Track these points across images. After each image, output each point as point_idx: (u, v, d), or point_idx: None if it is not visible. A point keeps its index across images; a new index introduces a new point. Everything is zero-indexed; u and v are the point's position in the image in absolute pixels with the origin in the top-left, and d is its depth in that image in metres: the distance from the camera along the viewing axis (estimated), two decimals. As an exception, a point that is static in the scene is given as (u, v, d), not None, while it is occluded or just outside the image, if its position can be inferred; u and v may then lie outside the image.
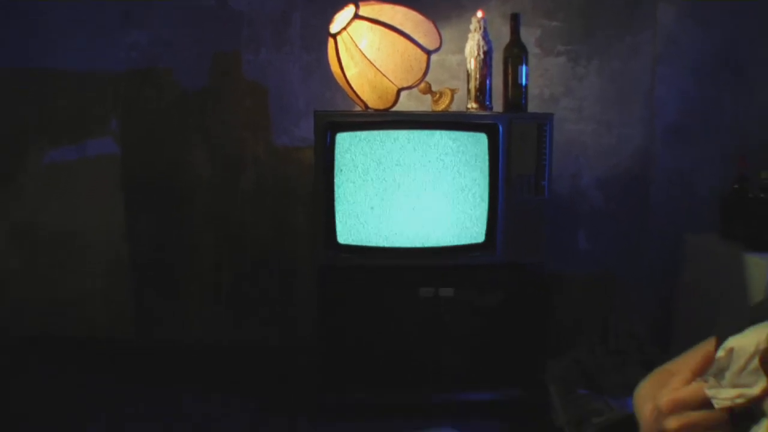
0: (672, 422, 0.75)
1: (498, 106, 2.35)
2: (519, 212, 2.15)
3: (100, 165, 2.91)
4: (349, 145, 2.12)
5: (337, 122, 2.11)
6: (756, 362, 0.70)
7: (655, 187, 2.81)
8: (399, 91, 2.15)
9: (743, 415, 0.72)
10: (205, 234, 2.94)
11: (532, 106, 2.53)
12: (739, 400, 0.72)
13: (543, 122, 2.14)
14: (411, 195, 2.17)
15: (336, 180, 2.12)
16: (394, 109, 2.22)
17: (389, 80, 2.11)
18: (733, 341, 0.73)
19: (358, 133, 2.13)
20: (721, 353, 0.73)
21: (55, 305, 3.01)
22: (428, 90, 2.26)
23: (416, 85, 2.19)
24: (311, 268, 2.56)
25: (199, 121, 2.85)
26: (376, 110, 2.20)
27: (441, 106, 2.27)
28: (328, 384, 2.26)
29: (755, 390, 0.70)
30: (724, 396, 0.73)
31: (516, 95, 2.26)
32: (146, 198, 2.93)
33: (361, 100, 2.18)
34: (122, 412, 2.42)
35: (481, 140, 2.09)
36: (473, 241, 2.16)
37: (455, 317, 2.23)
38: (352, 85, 2.13)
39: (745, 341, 0.73)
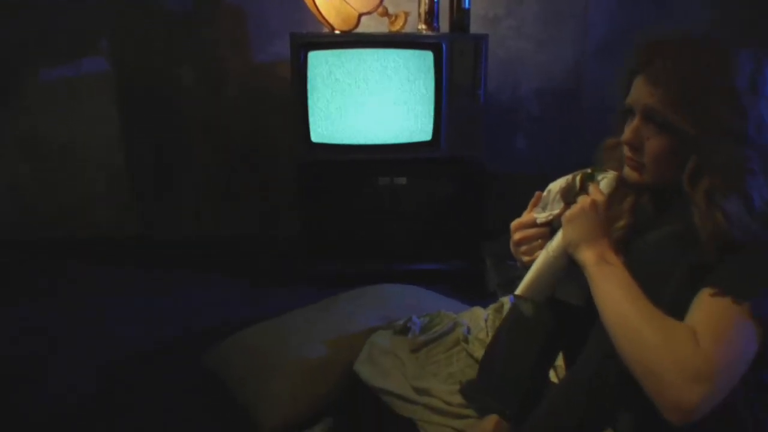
0: (516, 236, 1.25)
1: (445, 26, 2.64)
2: (459, 115, 2.48)
3: (94, 81, 3.05)
4: (319, 62, 2.40)
5: (309, 42, 2.39)
6: (558, 195, 1.20)
7: (585, 98, 3.10)
8: (360, 15, 2.46)
9: (556, 228, 1.22)
10: (194, 140, 3.15)
11: (477, 26, 2.79)
12: (549, 218, 1.22)
13: (479, 42, 2.45)
14: (371, 102, 2.46)
15: (309, 90, 2.41)
16: (357, 30, 2.50)
17: (351, 6, 2.42)
18: (551, 184, 1.24)
19: (327, 52, 2.41)
20: (544, 193, 1.24)
21: (62, 210, 3.20)
22: (385, 13, 2.55)
23: (375, 10, 2.49)
24: (289, 165, 2.86)
25: (185, 40, 3.00)
26: (342, 32, 2.48)
27: (396, 27, 2.58)
28: (309, 258, 2.65)
29: (557, 211, 1.20)
30: (542, 216, 1.23)
31: (459, 17, 2.56)
32: (139, 109, 3.10)
33: (329, 23, 2.46)
34: (136, 289, 2.73)
35: (428, 57, 2.41)
36: (422, 139, 2.50)
37: (409, 202, 2.61)
38: (321, 10, 2.42)
39: (557, 183, 1.23)
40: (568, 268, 1.19)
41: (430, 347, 1.66)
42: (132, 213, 3.26)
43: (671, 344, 0.98)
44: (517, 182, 3.17)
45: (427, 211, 2.65)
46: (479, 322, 1.74)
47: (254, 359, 1.77)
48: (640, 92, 1.13)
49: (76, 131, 3.13)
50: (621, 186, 1.24)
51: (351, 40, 2.48)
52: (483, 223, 2.68)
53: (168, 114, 3.14)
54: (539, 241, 1.25)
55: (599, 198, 1.17)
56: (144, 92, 3.11)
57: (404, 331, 1.74)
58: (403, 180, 2.56)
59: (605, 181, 1.21)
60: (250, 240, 3.22)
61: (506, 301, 1.80)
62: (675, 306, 1.05)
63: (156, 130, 3.17)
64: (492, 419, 1.31)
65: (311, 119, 2.46)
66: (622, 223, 1.23)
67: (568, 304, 1.26)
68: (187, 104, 3.13)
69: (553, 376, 1.47)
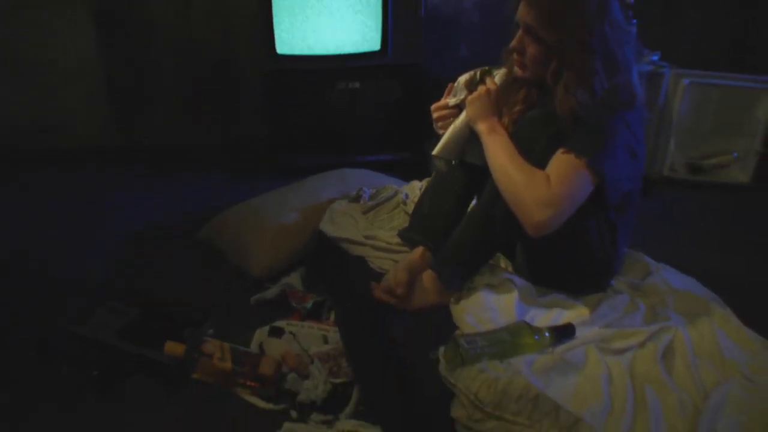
0: (434, 115, 1.71)
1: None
2: (404, 27, 2.86)
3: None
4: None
5: (272, -37, 2.68)
6: (463, 85, 1.65)
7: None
8: (316, -61, 2.77)
9: (462, 109, 1.66)
10: (167, 53, 3.40)
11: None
12: (458, 101, 1.68)
13: (422, -37, 2.80)
14: (328, 16, 2.80)
15: (273, 6, 2.74)
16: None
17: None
18: (460, 77, 1.69)
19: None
20: (455, 84, 1.68)
21: (43, 123, 3.41)
22: (338, -64, 2.88)
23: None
24: (256, 75, 3.17)
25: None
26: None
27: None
28: (277, 154, 3.08)
29: (462, 96, 1.65)
30: (453, 100, 1.68)
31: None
32: (113, 28, 3.32)
33: (289, -54, 2.75)
34: (126, 187, 3.09)
35: (377, -25, 2.75)
36: (372, 48, 2.88)
37: (362, 104, 3.01)
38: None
39: (463, 77, 1.68)
40: (472, 138, 1.66)
41: (377, 210, 2.15)
42: (110, 124, 3.51)
43: (531, 184, 1.47)
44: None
45: (378, 111, 3.06)
46: (415, 190, 2.23)
47: (241, 227, 2.23)
48: (522, 12, 1.58)
49: (52, 48, 3.31)
50: (515, 81, 1.71)
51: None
52: (426, 120, 3.04)
53: (140, 30, 3.36)
54: (451, 119, 1.72)
55: (492, 87, 1.64)
56: (117, 9, 3.31)
57: (357, 199, 2.23)
58: (356, 84, 2.95)
59: (498, 75, 1.67)
60: (223, 142, 3.56)
61: (437, 176, 2.26)
62: (540, 161, 1.53)
63: (130, 45, 3.39)
64: (419, 250, 1.81)
65: (276, 32, 2.80)
66: (516, 108, 1.71)
67: (474, 165, 1.74)
68: (158, 21, 3.34)
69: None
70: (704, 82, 3.27)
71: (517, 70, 1.64)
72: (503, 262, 1.85)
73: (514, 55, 1.63)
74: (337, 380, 1.68)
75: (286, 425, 1.57)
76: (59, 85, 3.38)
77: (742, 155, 3.38)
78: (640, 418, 1.38)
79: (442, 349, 1.46)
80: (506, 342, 1.47)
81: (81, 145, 3.46)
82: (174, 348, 1.73)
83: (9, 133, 3.40)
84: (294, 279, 2.08)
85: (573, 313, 1.67)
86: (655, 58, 3.27)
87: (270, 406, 1.66)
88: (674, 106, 3.29)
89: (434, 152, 1.72)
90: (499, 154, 1.56)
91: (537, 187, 1.46)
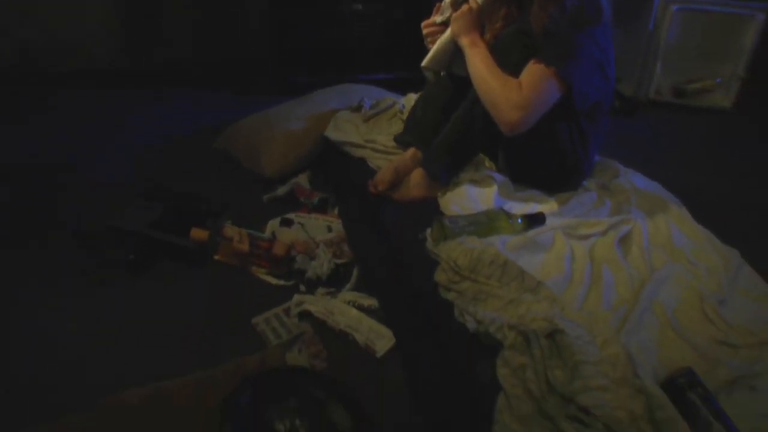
0: (424, 31, 1.92)
1: None
2: None
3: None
4: None
5: None
6: (449, 4, 1.85)
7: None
8: None
9: (448, 25, 1.87)
10: None
11: None
12: (444, 19, 1.88)
13: None
14: None
15: None
16: None
17: None
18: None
19: None
20: (443, 3, 1.88)
21: (59, 46, 3.55)
22: None
23: None
24: None
25: None
26: None
27: None
28: (284, 72, 3.27)
29: (448, 14, 1.86)
30: (440, 18, 1.89)
31: None
32: None
33: None
34: (144, 103, 3.27)
35: None
36: None
37: (364, 24, 3.19)
38: None
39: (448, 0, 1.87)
40: (457, 51, 1.88)
41: (377, 118, 2.39)
42: (123, 46, 3.67)
43: (505, 89, 1.70)
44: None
45: (379, 31, 3.23)
46: (411, 101, 2.45)
47: (253, 135, 2.47)
48: None
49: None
50: (496, 0, 1.90)
51: None
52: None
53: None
54: (438, 34, 1.93)
55: (474, 6, 1.84)
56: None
57: (358, 108, 2.47)
58: (359, 6, 3.12)
59: None
60: (231, 62, 3.72)
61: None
62: (515, 70, 1.74)
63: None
64: (411, 150, 2.05)
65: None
66: (497, 25, 1.92)
67: (459, 76, 1.96)
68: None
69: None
70: (692, 8, 3.43)
71: None
72: (488, 163, 2.08)
73: None
74: (340, 261, 1.94)
75: (296, 297, 1.84)
76: (74, 9, 3.51)
77: (725, 81, 3.57)
78: (594, 288, 1.64)
79: (429, 230, 1.72)
80: (484, 223, 1.72)
81: (98, 67, 3.64)
82: (198, 234, 2.00)
83: (32, 57, 3.55)
84: (302, 179, 2.33)
85: (545, 207, 1.91)
86: (646, -16, 3.42)
87: (281, 282, 1.93)
88: (662, 31, 3.46)
89: (423, 64, 1.94)
90: (479, 64, 1.77)
91: (510, 92, 1.68)
